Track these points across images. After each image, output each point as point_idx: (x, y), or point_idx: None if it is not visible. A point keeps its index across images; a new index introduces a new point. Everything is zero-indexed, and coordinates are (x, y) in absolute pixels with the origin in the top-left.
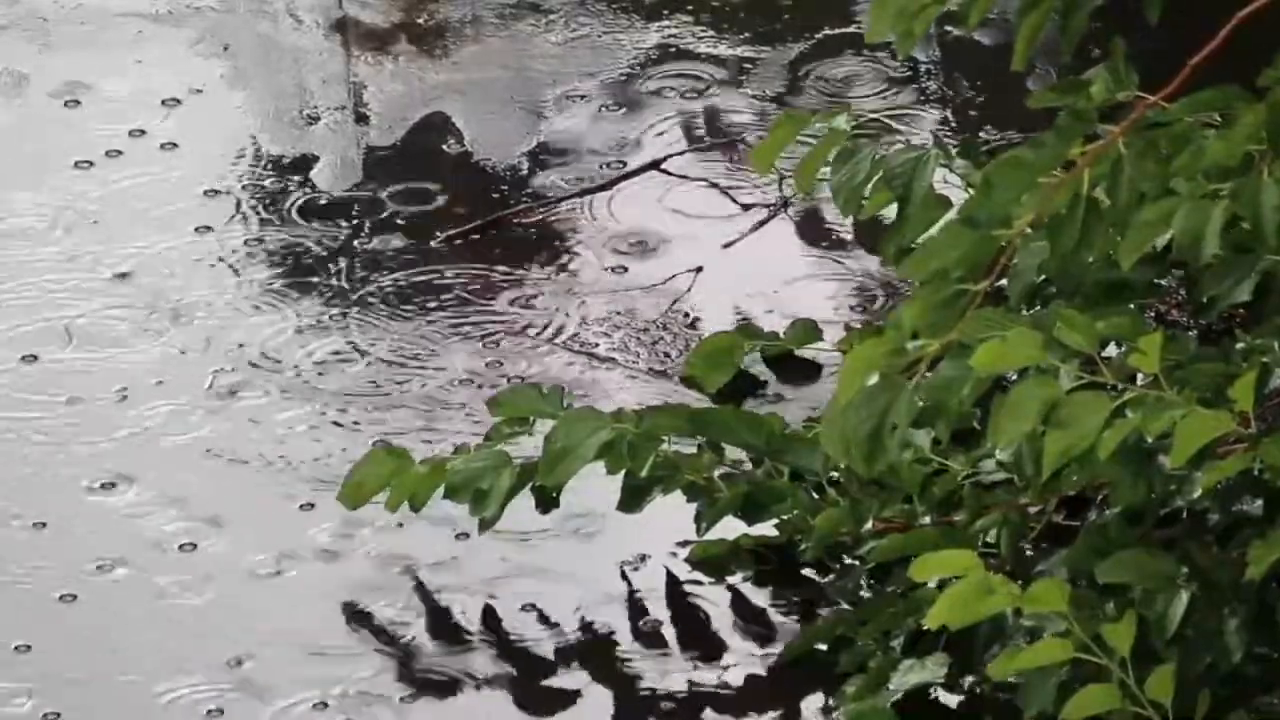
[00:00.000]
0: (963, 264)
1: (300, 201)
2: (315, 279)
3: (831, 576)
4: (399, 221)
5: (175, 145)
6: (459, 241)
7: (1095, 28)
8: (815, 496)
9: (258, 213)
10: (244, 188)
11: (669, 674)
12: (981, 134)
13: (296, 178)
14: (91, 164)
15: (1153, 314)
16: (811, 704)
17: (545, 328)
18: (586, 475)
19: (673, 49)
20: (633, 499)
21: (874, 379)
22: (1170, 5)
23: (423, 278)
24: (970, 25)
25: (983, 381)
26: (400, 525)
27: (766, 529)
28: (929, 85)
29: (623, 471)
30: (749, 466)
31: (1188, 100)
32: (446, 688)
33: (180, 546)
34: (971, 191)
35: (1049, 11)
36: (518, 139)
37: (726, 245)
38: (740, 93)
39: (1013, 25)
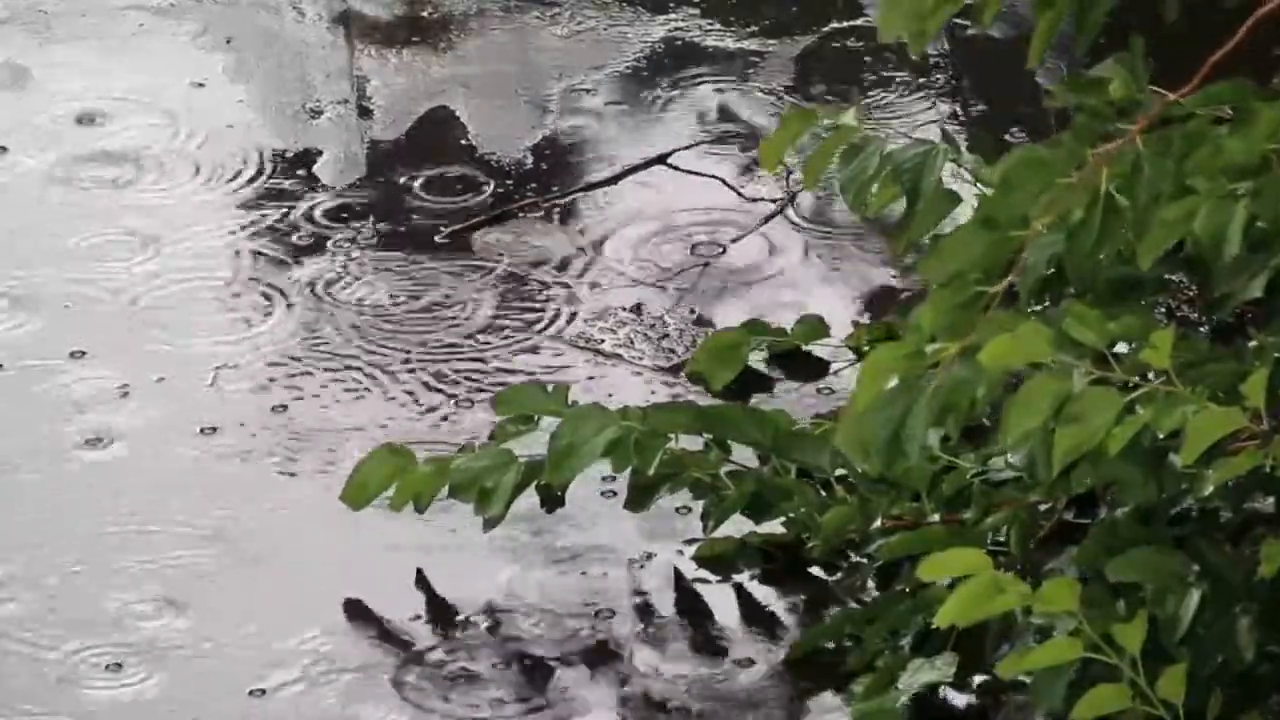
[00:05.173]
0: (980, 265)
1: (303, 196)
2: (317, 275)
3: (839, 574)
4: (402, 216)
5: (177, 140)
6: (463, 236)
7: (1107, 23)
8: (823, 494)
9: (260, 208)
10: (246, 182)
11: (675, 672)
12: (991, 128)
13: (300, 172)
14: (91, 160)
15: (1164, 310)
16: (819, 703)
17: (550, 324)
18: (592, 473)
19: (679, 42)
20: (639, 497)
21: (893, 383)
22: (1186, 2)
23: (426, 273)
24: (984, 24)
25: (996, 382)
26: (402, 522)
27: (774, 527)
28: (938, 79)
29: (629, 469)
30: (756, 464)
31: (1201, 94)
32: (448, 687)
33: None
34: (981, 187)
35: (1066, 8)
36: (523, 133)
37: (733, 240)
38: (747, 87)
39: (1028, 21)
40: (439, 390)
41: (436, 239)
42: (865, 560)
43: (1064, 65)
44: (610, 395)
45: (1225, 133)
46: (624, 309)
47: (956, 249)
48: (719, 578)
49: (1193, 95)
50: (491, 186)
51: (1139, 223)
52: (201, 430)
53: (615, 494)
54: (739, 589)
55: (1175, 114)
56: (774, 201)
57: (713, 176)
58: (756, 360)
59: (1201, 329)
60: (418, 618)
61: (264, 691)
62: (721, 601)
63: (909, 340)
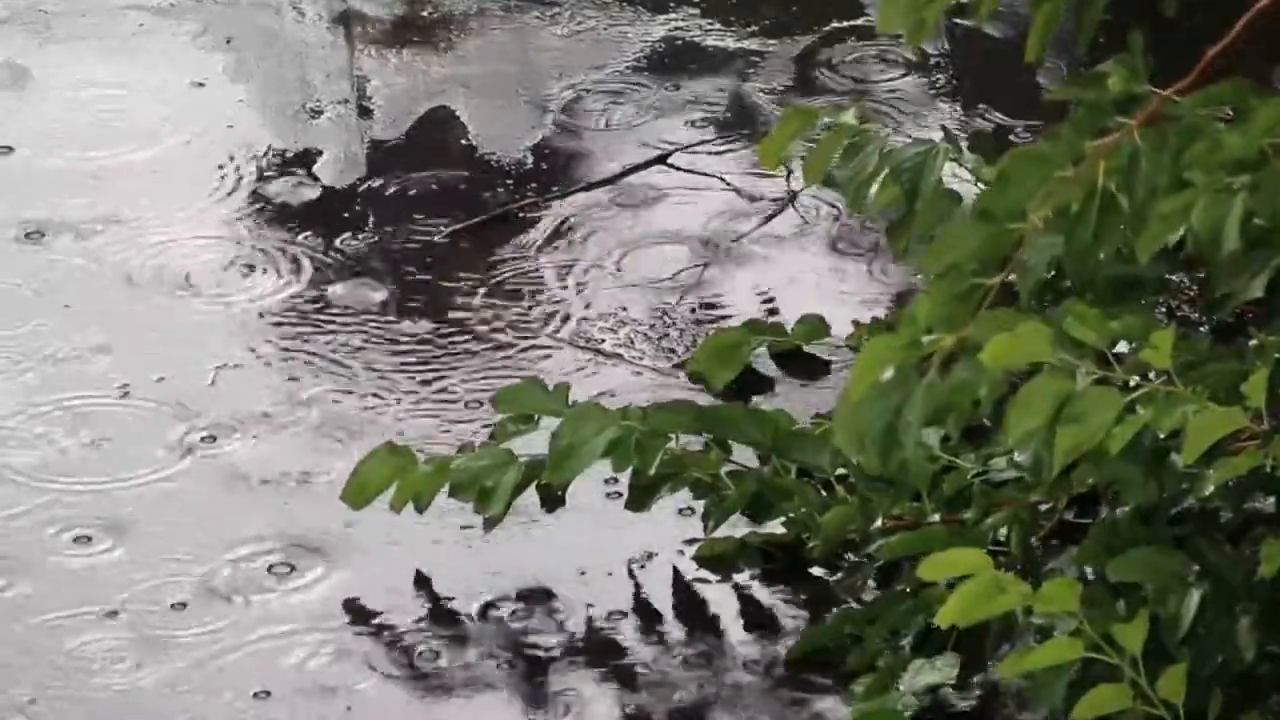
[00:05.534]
0: (977, 258)
1: (303, 196)
2: (318, 275)
3: (840, 575)
4: (403, 216)
5: (177, 139)
6: (464, 236)
7: (1107, 20)
8: (823, 494)
9: (260, 207)
10: (246, 182)
11: (675, 672)
12: (991, 127)
13: (300, 172)
14: (92, 158)
15: (1164, 309)
16: (820, 703)
17: (550, 323)
18: (593, 472)
19: (679, 42)
20: (640, 497)
21: (888, 374)
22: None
23: (427, 272)
24: (981, 17)
25: (998, 384)
26: (403, 521)
27: (774, 527)
28: (938, 78)
29: (629, 469)
30: (756, 464)
31: (1200, 94)
32: (448, 686)
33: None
34: (982, 186)
35: (1065, 3)
36: (523, 133)
37: (734, 240)
38: (748, 86)
39: (1027, 17)
40: (439, 389)
41: (437, 238)
42: (866, 560)
43: (1064, 64)
44: (611, 395)
45: (1223, 128)
46: (624, 309)
47: (954, 241)
48: (719, 578)
49: (1192, 95)
50: (491, 186)
51: (1136, 217)
52: (204, 429)
53: (620, 495)
54: (739, 589)
55: (1174, 112)
56: (774, 201)
57: (713, 176)
58: (757, 360)
59: (1202, 329)
60: (420, 618)
61: (269, 694)
62: (722, 601)
63: (905, 331)
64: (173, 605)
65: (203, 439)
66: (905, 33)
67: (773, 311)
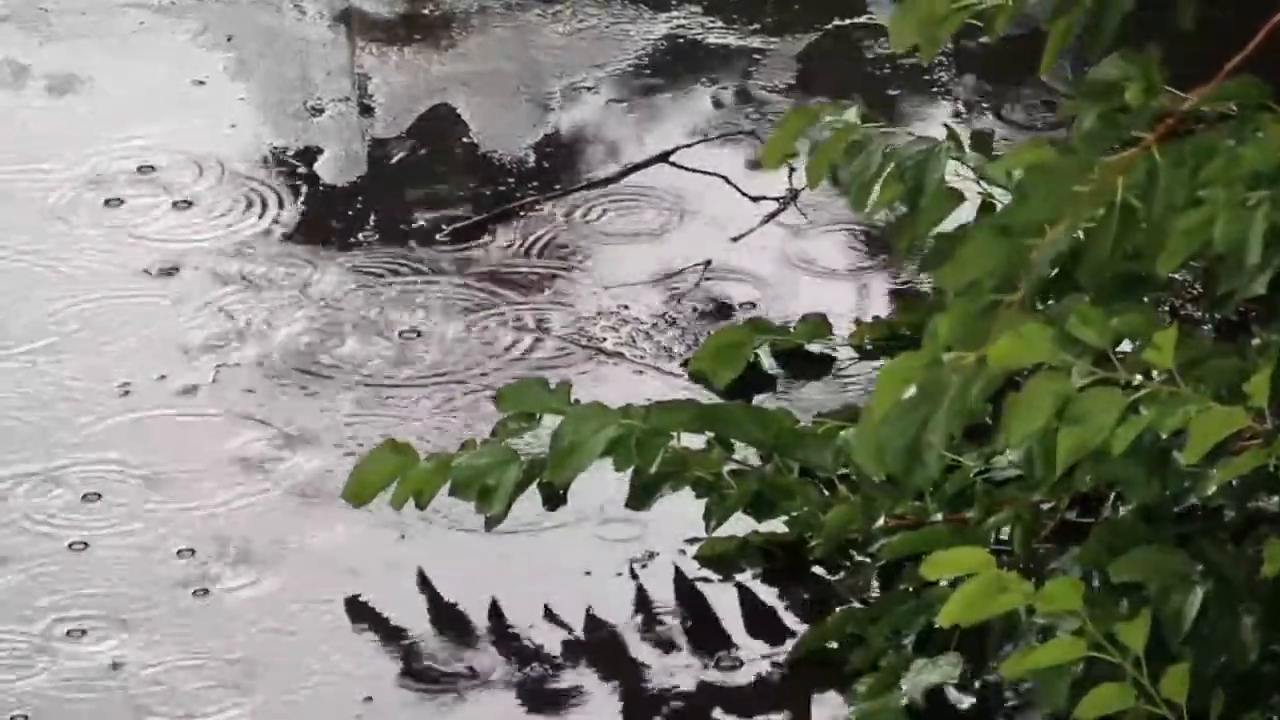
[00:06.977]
0: (997, 274)
1: (304, 195)
2: (318, 274)
3: (842, 574)
4: (404, 214)
5: (176, 139)
6: (464, 234)
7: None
8: (825, 493)
9: (261, 206)
10: (247, 180)
11: (677, 672)
12: (994, 126)
13: (301, 170)
14: (91, 161)
15: (1167, 307)
16: (822, 703)
17: (551, 322)
18: (594, 471)
19: (681, 40)
20: (641, 495)
21: (911, 392)
22: (1201, 10)
23: (428, 271)
24: (997, 31)
25: (992, 381)
26: (402, 519)
27: (776, 526)
28: (940, 76)
29: (631, 468)
30: (758, 463)
31: (1208, 94)
32: (450, 686)
33: (179, 552)
34: (984, 185)
35: (1080, 16)
36: (524, 131)
37: (735, 239)
38: (750, 85)
39: (1032, 18)
40: (439, 388)
41: (438, 237)
42: (868, 559)
43: (1068, 64)
44: (612, 394)
45: (1236, 144)
46: (626, 307)
47: (972, 258)
48: (721, 577)
49: (1200, 97)
50: (493, 184)
51: (1155, 230)
52: (203, 429)
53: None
54: (741, 588)
55: (1187, 115)
56: (777, 199)
57: (715, 174)
58: (759, 359)
59: (1204, 327)
60: (421, 618)
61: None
62: (723, 601)
63: (926, 349)
64: (195, 592)
65: (202, 432)
66: (919, 48)
67: (774, 310)
